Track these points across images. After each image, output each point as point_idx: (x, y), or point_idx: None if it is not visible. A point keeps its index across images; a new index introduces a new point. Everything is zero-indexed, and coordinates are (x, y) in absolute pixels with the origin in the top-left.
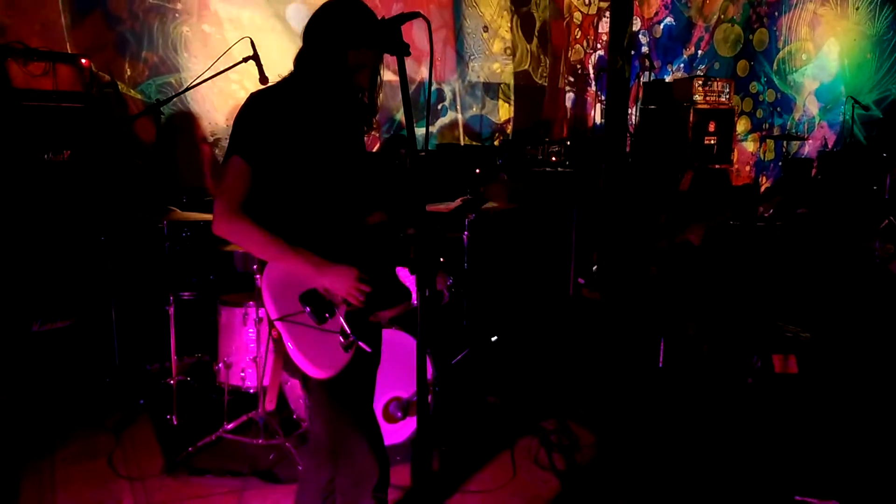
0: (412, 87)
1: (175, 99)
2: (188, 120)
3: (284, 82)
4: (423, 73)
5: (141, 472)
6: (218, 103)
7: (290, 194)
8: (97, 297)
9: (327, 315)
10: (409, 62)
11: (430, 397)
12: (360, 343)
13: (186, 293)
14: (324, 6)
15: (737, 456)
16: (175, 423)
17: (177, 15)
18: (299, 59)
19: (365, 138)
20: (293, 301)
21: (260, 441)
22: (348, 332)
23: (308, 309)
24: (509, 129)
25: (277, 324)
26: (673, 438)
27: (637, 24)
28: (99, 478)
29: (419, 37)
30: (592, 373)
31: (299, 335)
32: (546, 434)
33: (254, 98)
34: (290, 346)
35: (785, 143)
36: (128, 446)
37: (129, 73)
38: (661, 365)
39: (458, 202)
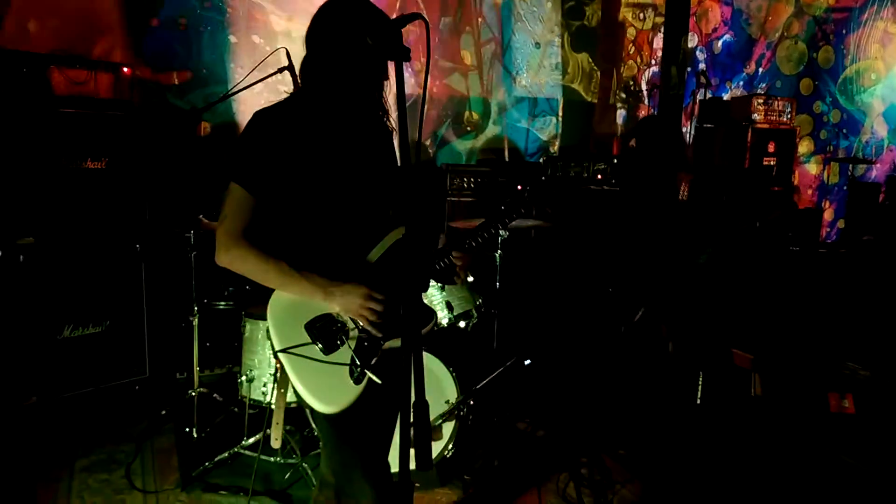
0: (453, 102)
1: (222, 110)
2: (233, 130)
3: (292, 97)
4: (473, 86)
5: (156, 484)
6: None
7: (298, 217)
8: (131, 304)
9: (339, 342)
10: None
11: (455, 422)
12: (371, 374)
13: (222, 303)
14: (322, 6)
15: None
16: (195, 436)
17: (226, 25)
18: (303, 69)
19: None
20: (298, 330)
21: (277, 459)
22: (357, 362)
23: (315, 338)
24: (556, 145)
25: (280, 355)
26: (714, 483)
27: (694, 41)
28: (114, 489)
29: (466, 55)
30: (631, 403)
31: (304, 366)
32: (577, 467)
33: (257, 117)
34: (293, 378)
35: (851, 166)
36: (147, 457)
37: (176, 82)
38: (698, 401)
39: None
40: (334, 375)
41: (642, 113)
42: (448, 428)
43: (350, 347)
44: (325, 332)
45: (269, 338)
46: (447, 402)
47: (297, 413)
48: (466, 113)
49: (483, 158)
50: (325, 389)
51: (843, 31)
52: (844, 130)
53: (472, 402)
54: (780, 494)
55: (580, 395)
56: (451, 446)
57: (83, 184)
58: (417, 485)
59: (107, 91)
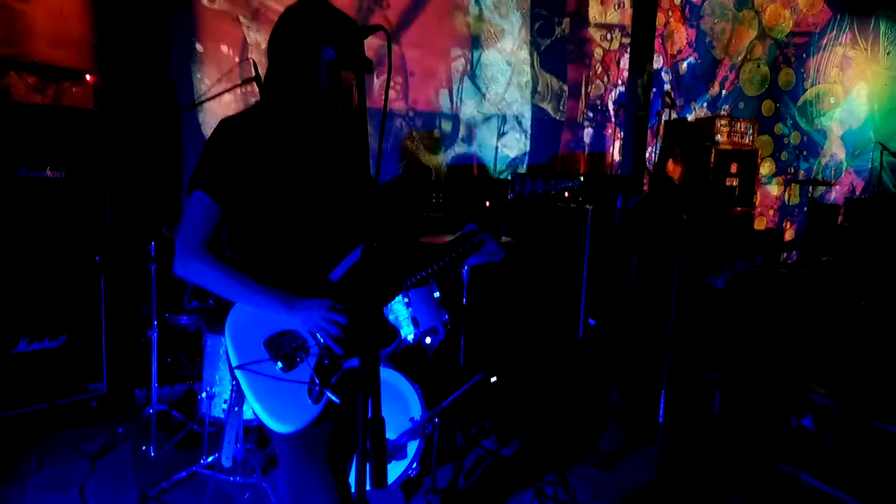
0: (423, 117)
1: (188, 121)
2: (201, 142)
3: (256, 106)
4: (442, 102)
5: None
6: None
7: (259, 231)
8: (89, 317)
9: (298, 360)
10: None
11: (419, 440)
12: (329, 394)
13: (183, 317)
14: (282, 14)
15: None
16: (152, 454)
17: (193, 39)
18: (265, 79)
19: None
20: (257, 346)
21: (237, 479)
22: (317, 380)
23: (274, 355)
24: (525, 164)
25: (237, 372)
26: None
27: (660, 62)
28: None
29: (442, 67)
30: (596, 421)
31: (261, 384)
32: (542, 485)
33: (222, 125)
34: (249, 396)
35: (811, 187)
36: (102, 476)
37: (142, 91)
38: (660, 420)
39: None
40: (292, 394)
41: (608, 132)
42: (413, 446)
43: (310, 366)
44: (284, 349)
45: (226, 353)
46: (412, 419)
47: (259, 431)
48: (435, 130)
49: (451, 175)
50: (283, 408)
51: (804, 55)
52: (804, 152)
53: (437, 420)
54: None
55: (546, 412)
56: (415, 465)
57: (42, 193)
58: None
59: (69, 98)
